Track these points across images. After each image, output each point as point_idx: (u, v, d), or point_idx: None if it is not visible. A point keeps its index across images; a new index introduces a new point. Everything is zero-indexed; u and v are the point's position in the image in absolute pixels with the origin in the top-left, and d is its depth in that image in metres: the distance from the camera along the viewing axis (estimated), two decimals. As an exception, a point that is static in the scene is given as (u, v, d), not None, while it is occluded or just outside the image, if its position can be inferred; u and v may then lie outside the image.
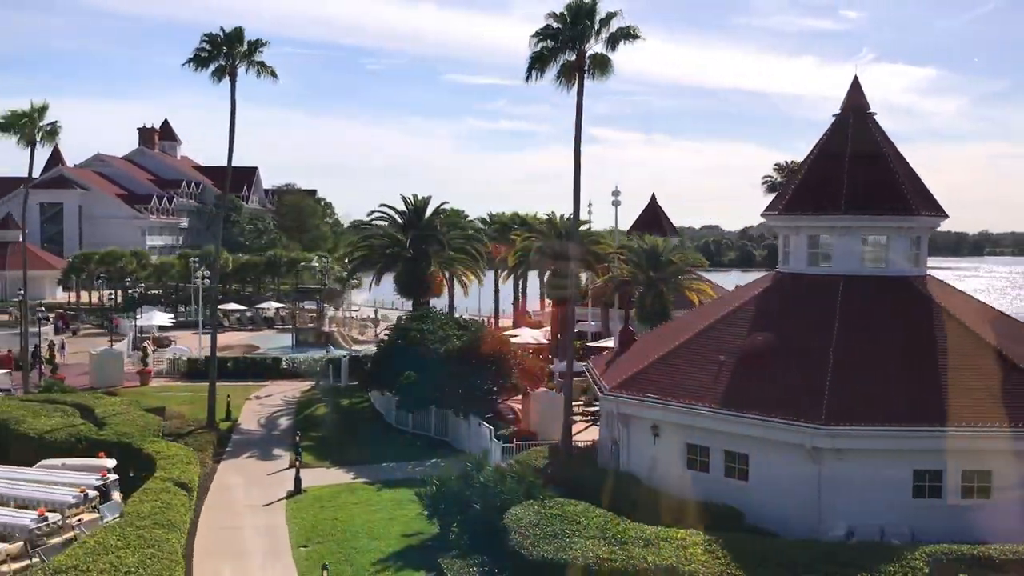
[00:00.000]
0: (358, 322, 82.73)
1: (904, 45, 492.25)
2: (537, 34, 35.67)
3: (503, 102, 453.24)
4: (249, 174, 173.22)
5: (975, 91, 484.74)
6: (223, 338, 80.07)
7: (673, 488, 30.20)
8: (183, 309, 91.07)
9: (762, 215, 36.77)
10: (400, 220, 55.93)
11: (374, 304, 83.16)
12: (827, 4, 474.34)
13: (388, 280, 73.23)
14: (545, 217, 65.54)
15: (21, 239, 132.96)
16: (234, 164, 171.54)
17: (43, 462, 31.78)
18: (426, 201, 55.46)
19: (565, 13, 35.21)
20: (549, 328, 62.45)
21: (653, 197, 79.90)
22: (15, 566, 24.24)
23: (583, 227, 55.65)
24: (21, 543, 24.30)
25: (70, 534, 26.35)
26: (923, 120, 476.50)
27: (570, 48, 35.64)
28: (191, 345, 68.38)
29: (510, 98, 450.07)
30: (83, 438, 35.66)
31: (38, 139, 45.22)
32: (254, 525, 31.46)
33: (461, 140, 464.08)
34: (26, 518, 25.31)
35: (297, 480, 35.12)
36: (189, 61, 43.04)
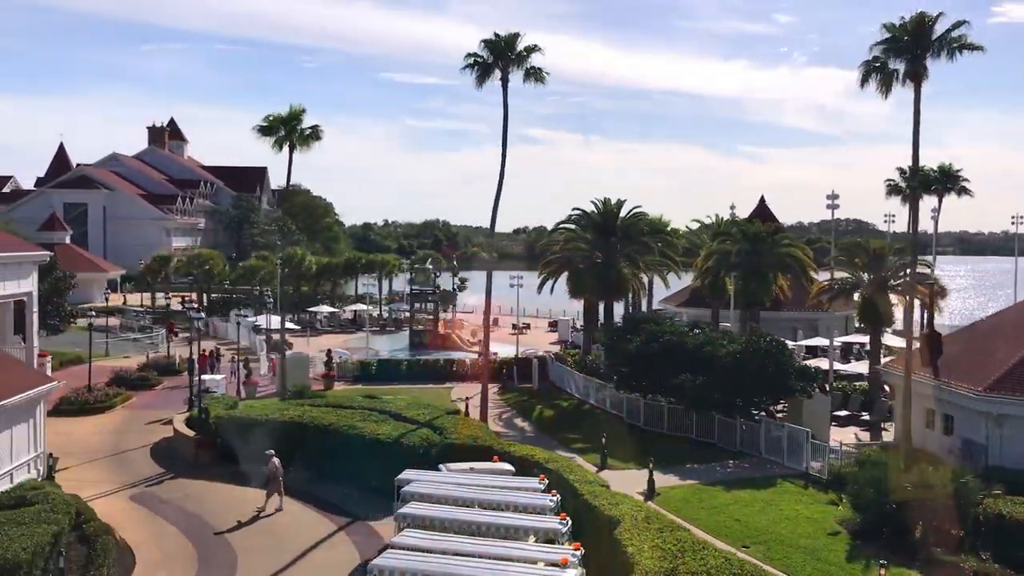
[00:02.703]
0: (470, 325, 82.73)
1: (832, 49, 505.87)
2: (879, 44, 36.67)
3: (440, 102, 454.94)
4: (260, 174, 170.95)
5: (897, 94, 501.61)
6: (327, 340, 79.62)
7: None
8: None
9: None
10: (593, 224, 56.40)
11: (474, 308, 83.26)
12: (760, 8, 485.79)
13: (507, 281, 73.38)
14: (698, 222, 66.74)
15: (66, 240, 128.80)
16: (241, 165, 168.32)
17: (449, 466, 31.62)
18: (620, 205, 56.07)
19: (907, 24, 36.22)
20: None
21: (762, 199, 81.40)
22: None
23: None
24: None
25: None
26: (853, 122, 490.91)
27: (903, 58, 36.71)
28: (303, 347, 67.86)
29: (447, 97, 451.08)
30: (434, 443, 35.62)
31: (296, 143, 44.57)
32: (658, 527, 31.75)
33: (398, 139, 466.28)
34: (553, 522, 25.38)
35: (651, 483, 35.49)
36: (468, 67, 43.16)
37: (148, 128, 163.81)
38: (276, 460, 33.84)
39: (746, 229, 55.89)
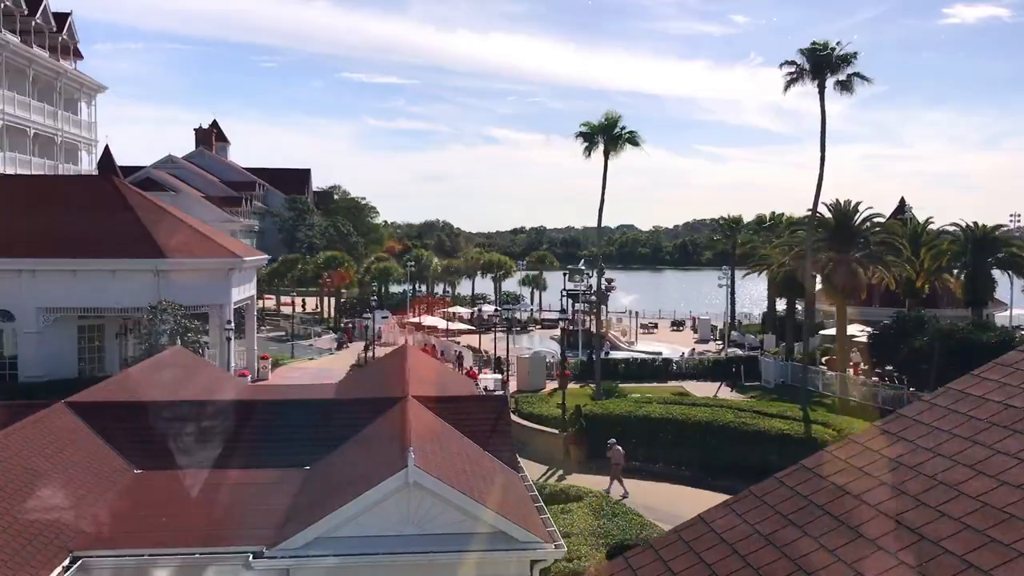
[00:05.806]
0: (622, 325, 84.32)
1: (789, 49, 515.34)
2: None
3: (401, 101, 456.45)
4: (304, 175, 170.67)
5: (856, 94, 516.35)
6: (467, 341, 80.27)
7: None
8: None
9: None
10: (827, 226, 58.11)
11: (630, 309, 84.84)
12: (717, 9, 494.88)
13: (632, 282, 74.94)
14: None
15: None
16: (288, 167, 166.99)
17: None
18: (856, 208, 57.70)
19: None
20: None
21: (902, 200, 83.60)
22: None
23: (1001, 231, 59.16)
24: None
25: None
26: (812, 122, 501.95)
27: None
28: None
29: (408, 97, 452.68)
30: (825, 439, 37.15)
31: (612, 149, 45.47)
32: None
33: (359, 140, 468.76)
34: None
35: None
36: (791, 74, 44.65)
37: (195, 130, 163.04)
38: (619, 448, 35.38)
39: (970, 230, 58.05)
